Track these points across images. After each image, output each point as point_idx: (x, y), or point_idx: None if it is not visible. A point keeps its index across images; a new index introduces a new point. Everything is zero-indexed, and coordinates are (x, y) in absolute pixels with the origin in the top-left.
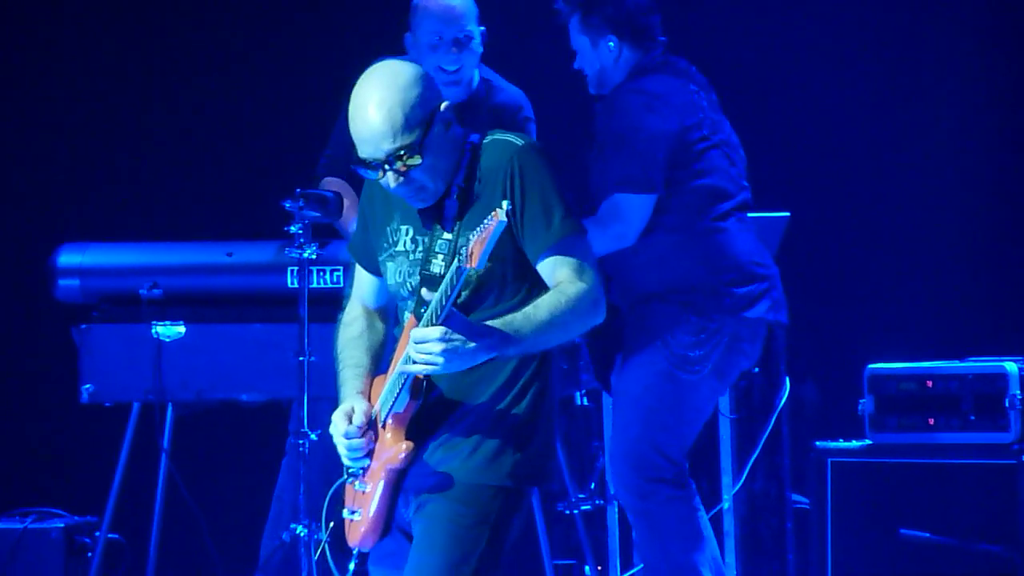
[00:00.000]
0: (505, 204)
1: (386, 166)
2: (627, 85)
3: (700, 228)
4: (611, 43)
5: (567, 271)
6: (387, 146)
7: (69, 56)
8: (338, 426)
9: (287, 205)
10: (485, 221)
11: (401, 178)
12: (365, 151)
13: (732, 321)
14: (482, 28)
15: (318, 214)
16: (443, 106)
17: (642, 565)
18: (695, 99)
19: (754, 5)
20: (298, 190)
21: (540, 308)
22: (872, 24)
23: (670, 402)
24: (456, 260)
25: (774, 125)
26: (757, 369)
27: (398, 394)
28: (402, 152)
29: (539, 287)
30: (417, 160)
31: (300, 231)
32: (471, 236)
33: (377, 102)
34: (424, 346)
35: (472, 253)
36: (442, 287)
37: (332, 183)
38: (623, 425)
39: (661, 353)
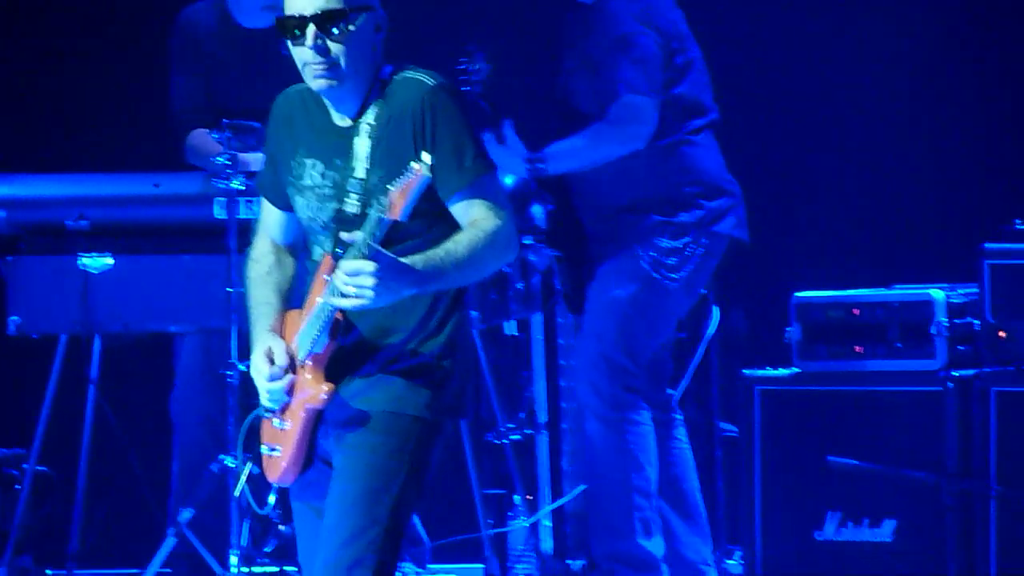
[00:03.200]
0: (427, 157)
1: (311, 24)
2: None
3: (672, 141)
4: None
5: (481, 210)
6: (319, 2)
7: None
8: (260, 368)
9: (214, 136)
10: (406, 173)
11: (320, 41)
12: (294, 6)
13: (704, 234)
14: None
15: (245, 145)
16: (383, 13)
17: (579, 489)
18: (674, 15)
19: None
20: (225, 121)
21: (459, 244)
22: None
23: (644, 307)
24: (377, 210)
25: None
26: (704, 291)
27: (317, 334)
28: (330, 13)
29: (449, 219)
30: (340, 35)
31: (227, 162)
32: (390, 186)
33: None
34: (357, 279)
35: (393, 204)
36: (363, 234)
37: (199, 136)
38: (597, 333)
39: (639, 260)
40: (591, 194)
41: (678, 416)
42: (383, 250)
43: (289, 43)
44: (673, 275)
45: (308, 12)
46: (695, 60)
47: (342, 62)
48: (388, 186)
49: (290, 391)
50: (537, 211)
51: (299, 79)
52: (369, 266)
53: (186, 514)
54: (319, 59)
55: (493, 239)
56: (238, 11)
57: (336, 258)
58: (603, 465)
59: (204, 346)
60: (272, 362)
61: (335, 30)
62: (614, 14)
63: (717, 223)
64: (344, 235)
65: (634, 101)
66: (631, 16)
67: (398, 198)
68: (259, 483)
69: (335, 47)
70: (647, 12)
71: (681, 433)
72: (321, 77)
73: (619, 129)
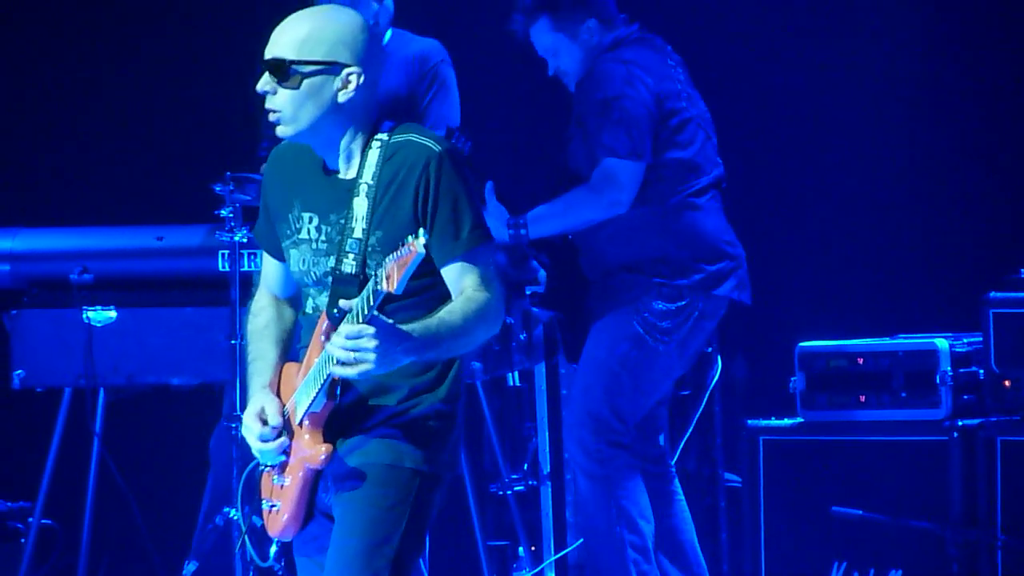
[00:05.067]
0: (422, 234)
1: (267, 68)
2: (607, 55)
3: (673, 203)
4: (590, 25)
5: (473, 280)
6: (275, 51)
7: None
8: (252, 428)
9: (217, 188)
10: (402, 248)
11: (267, 87)
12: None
13: (701, 298)
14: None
15: (248, 197)
16: (356, 70)
17: (580, 541)
18: (672, 72)
19: None
20: (228, 173)
21: (455, 314)
22: None
23: (633, 367)
24: (373, 282)
25: (704, 101)
26: (710, 349)
27: (315, 395)
28: (276, 63)
29: (443, 284)
30: (284, 84)
31: (230, 214)
32: (387, 259)
33: (302, 15)
34: (358, 342)
35: (390, 276)
36: (359, 302)
37: None
38: (586, 388)
39: (633, 319)
40: (593, 251)
41: (672, 468)
42: (381, 316)
43: None
44: (665, 338)
45: (266, 57)
46: (694, 119)
47: (287, 111)
48: (386, 259)
49: (287, 450)
50: (541, 274)
51: None
52: (369, 330)
53: (190, 567)
54: (269, 105)
55: (485, 312)
56: None
57: (333, 320)
58: (595, 521)
59: None
60: (264, 422)
61: (280, 80)
62: (601, 77)
63: (717, 286)
64: (343, 302)
65: (613, 165)
66: (618, 78)
67: (394, 271)
68: (262, 535)
69: (278, 97)
70: (635, 73)
71: (676, 485)
72: (274, 123)
73: (597, 194)
